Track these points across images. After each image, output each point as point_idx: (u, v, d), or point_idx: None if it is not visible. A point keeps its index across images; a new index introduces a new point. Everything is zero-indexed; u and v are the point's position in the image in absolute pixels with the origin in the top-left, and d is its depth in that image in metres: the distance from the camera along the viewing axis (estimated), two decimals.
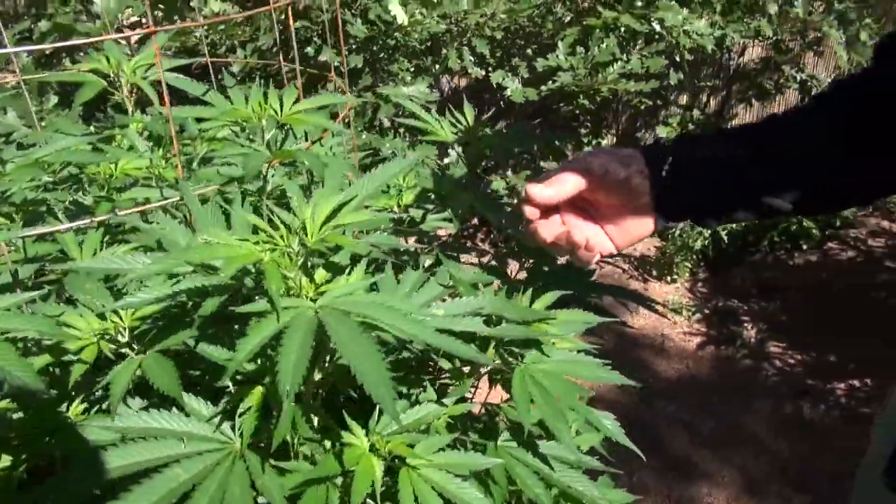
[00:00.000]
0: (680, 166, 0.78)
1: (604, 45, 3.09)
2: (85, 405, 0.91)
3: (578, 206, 0.83)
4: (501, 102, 3.34)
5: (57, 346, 0.79)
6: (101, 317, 0.85)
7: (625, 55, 3.15)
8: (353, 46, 2.75)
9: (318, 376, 0.88)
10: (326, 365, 0.88)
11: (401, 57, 2.96)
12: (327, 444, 0.86)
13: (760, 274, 3.59)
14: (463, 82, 3.43)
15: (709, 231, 3.35)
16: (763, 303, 3.39)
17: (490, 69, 3.14)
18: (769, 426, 2.67)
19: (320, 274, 0.81)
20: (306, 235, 0.78)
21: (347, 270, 0.84)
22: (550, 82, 3.08)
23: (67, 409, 0.84)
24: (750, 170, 0.79)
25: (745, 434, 2.64)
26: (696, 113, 3.68)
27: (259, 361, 0.86)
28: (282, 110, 1.03)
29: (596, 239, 0.82)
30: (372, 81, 2.96)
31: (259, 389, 0.85)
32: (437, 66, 2.91)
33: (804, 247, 3.71)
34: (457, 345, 0.70)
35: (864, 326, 3.11)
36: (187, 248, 0.69)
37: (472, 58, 3.07)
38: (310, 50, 2.81)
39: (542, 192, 0.78)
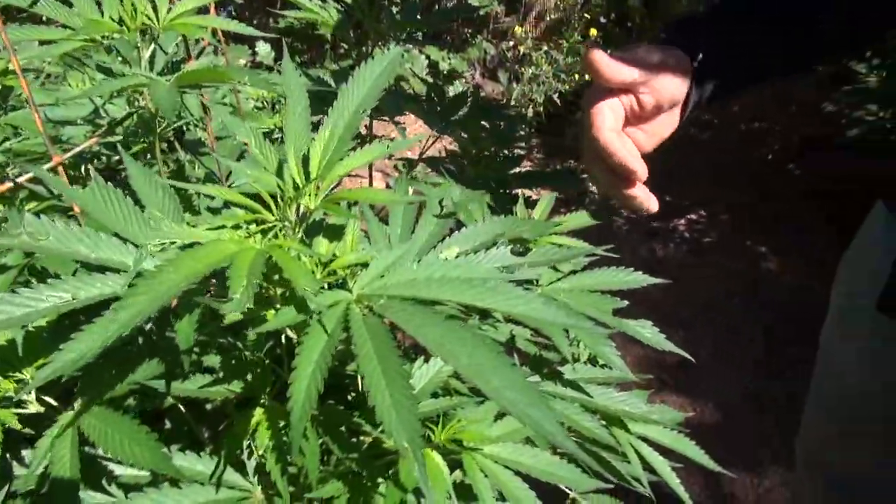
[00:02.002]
0: (711, 59, 0.71)
1: None
2: None
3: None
4: None
5: None
6: None
7: None
8: None
9: None
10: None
11: None
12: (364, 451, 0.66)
13: None
14: None
15: (541, 98, 3.34)
16: None
17: None
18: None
19: (324, 245, 0.58)
20: (307, 197, 0.53)
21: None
22: None
23: None
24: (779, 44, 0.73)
25: None
26: None
27: (249, 378, 0.62)
28: (158, 15, 0.71)
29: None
30: None
31: (260, 414, 0.61)
32: None
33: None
34: (570, 317, 0.52)
35: (689, 163, 3.37)
36: (178, 258, 0.42)
37: None
38: None
39: (619, 65, 0.64)
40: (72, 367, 0.45)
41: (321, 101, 0.93)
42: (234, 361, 0.62)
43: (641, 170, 0.66)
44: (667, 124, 0.72)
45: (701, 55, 0.70)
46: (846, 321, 1.05)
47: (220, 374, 0.61)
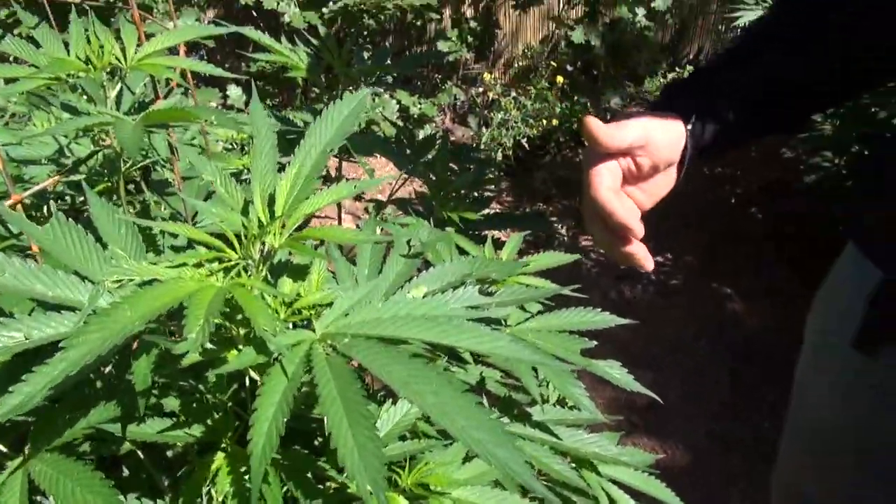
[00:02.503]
0: (703, 119, 0.74)
1: None
2: None
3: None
4: (282, 35, 2.97)
5: None
6: None
7: None
8: None
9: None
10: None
11: None
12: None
13: (555, 173, 3.77)
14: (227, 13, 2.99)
15: (510, 142, 3.40)
16: (565, 201, 3.57)
17: None
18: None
19: (288, 284, 0.57)
20: (271, 235, 0.53)
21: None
22: (332, 3, 2.80)
23: None
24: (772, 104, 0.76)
25: None
26: (472, 24, 3.65)
27: (210, 422, 0.60)
28: (126, 55, 0.71)
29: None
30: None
31: (220, 459, 0.59)
32: None
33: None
34: (538, 356, 0.52)
35: (655, 207, 3.44)
36: (134, 295, 0.41)
37: None
38: None
39: (614, 132, 0.65)
40: (19, 411, 0.43)
41: (290, 143, 0.93)
42: (194, 405, 0.60)
43: (639, 228, 0.67)
44: (663, 184, 0.74)
45: (694, 117, 0.73)
46: (819, 357, 1.07)
47: (181, 418, 0.59)
